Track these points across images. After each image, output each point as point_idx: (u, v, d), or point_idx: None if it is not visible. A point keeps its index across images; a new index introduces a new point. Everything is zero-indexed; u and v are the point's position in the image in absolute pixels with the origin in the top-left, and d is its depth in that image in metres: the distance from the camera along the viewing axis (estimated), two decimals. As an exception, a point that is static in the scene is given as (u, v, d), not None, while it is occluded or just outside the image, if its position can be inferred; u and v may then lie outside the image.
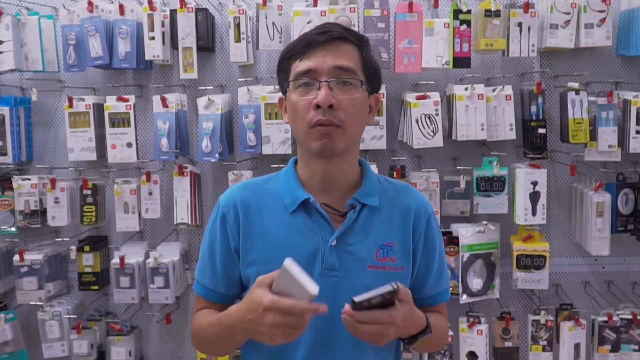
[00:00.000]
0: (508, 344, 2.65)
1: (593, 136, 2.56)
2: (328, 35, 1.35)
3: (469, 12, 2.53)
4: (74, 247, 2.67)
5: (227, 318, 1.32)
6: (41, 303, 2.65)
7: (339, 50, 1.36)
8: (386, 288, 1.19)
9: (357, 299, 1.19)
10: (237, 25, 2.55)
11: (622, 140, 2.57)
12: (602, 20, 2.55)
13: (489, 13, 2.51)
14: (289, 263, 1.14)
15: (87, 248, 2.67)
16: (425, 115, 2.52)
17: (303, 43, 1.36)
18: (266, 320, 1.18)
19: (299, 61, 1.36)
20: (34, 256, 2.62)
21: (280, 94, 1.49)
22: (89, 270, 2.67)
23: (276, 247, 1.38)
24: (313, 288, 1.13)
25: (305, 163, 1.43)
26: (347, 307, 1.22)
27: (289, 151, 2.55)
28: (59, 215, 2.63)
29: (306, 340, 1.38)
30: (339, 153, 1.37)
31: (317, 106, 1.32)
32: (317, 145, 1.34)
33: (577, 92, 2.54)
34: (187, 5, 2.54)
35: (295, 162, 1.49)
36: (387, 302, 1.22)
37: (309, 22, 2.47)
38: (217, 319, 1.38)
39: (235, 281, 1.45)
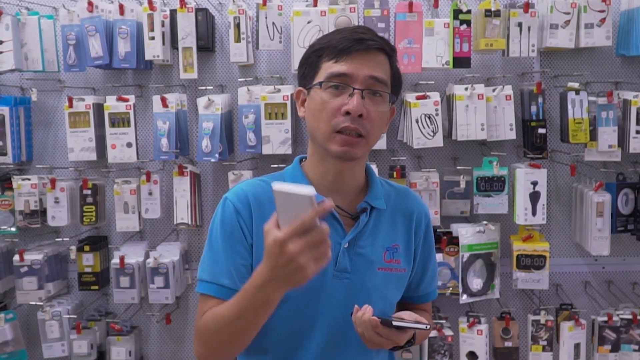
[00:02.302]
0: (508, 344, 2.65)
1: (593, 136, 2.56)
2: (366, 45, 1.34)
3: (469, 12, 2.53)
4: (74, 247, 2.67)
5: (251, 285, 1.19)
6: (41, 303, 2.65)
7: (375, 61, 1.36)
8: (420, 326, 1.29)
9: (394, 323, 1.27)
10: (237, 25, 2.55)
11: (622, 140, 2.57)
12: (602, 20, 2.54)
13: (489, 13, 2.50)
14: (276, 185, 1.09)
15: (87, 248, 2.67)
16: (425, 115, 2.52)
17: (339, 47, 1.34)
18: (289, 253, 1.08)
19: (334, 62, 1.35)
20: (34, 256, 2.62)
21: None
22: (89, 270, 2.67)
23: None
24: (308, 190, 1.06)
25: (317, 162, 1.42)
26: (373, 317, 1.26)
27: (289, 151, 2.55)
28: (59, 215, 2.63)
29: (317, 342, 1.38)
30: (356, 159, 1.38)
31: (347, 112, 1.32)
32: (338, 151, 1.34)
33: (577, 92, 2.54)
34: (187, 5, 2.54)
35: (300, 161, 1.48)
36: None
37: (309, 22, 2.48)
38: (236, 297, 1.24)
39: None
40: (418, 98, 2.53)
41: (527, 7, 2.52)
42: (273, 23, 2.54)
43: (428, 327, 1.29)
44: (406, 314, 1.34)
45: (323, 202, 1.09)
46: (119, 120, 2.59)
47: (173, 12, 2.58)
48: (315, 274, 1.11)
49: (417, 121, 2.51)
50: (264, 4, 2.53)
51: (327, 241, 1.10)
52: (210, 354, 1.34)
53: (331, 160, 1.39)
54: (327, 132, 1.34)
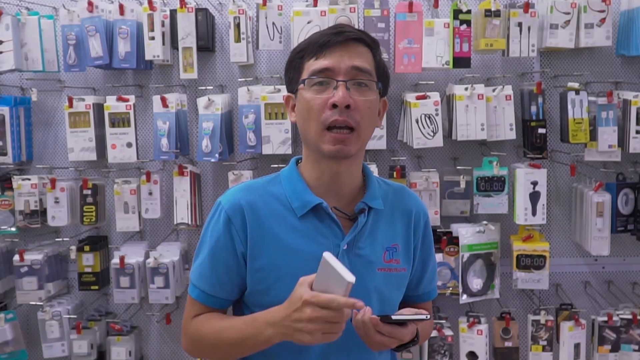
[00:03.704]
0: (508, 344, 2.65)
1: (593, 136, 2.56)
2: (345, 36, 1.33)
3: (469, 12, 2.53)
4: (74, 247, 2.67)
5: (262, 317, 1.29)
6: (41, 303, 2.65)
7: (356, 51, 1.34)
8: (420, 316, 1.30)
9: (393, 317, 1.27)
10: (237, 25, 2.55)
11: (622, 140, 2.57)
12: (602, 20, 2.55)
13: (489, 13, 2.51)
14: (328, 255, 1.18)
15: (87, 248, 2.67)
16: (425, 115, 2.52)
17: (319, 42, 1.34)
18: (305, 314, 1.18)
19: (315, 59, 1.34)
20: (34, 256, 2.62)
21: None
22: (89, 270, 2.67)
23: (286, 252, 1.36)
24: (350, 276, 1.15)
25: (313, 163, 1.41)
26: (373, 316, 1.26)
27: (289, 151, 2.55)
28: (59, 215, 2.63)
29: (320, 345, 1.35)
30: (351, 156, 1.37)
31: (334, 106, 1.30)
32: (331, 150, 1.33)
33: (577, 92, 2.54)
34: (187, 5, 2.54)
35: (296, 162, 1.47)
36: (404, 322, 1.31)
37: (309, 22, 2.48)
38: (242, 322, 1.34)
39: (238, 286, 1.41)
40: (418, 98, 2.53)
41: (527, 7, 2.52)
42: (273, 23, 2.54)
43: (428, 316, 1.29)
44: (405, 310, 1.34)
45: (355, 301, 1.17)
46: (119, 120, 2.59)
47: (173, 12, 2.59)
48: (317, 344, 1.21)
49: (417, 121, 2.51)
50: (264, 4, 2.53)
51: (342, 324, 1.19)
52: (200, 355, 1.47)
53: (326, 162, 1.37)
54: (317, 130, 1.33)
